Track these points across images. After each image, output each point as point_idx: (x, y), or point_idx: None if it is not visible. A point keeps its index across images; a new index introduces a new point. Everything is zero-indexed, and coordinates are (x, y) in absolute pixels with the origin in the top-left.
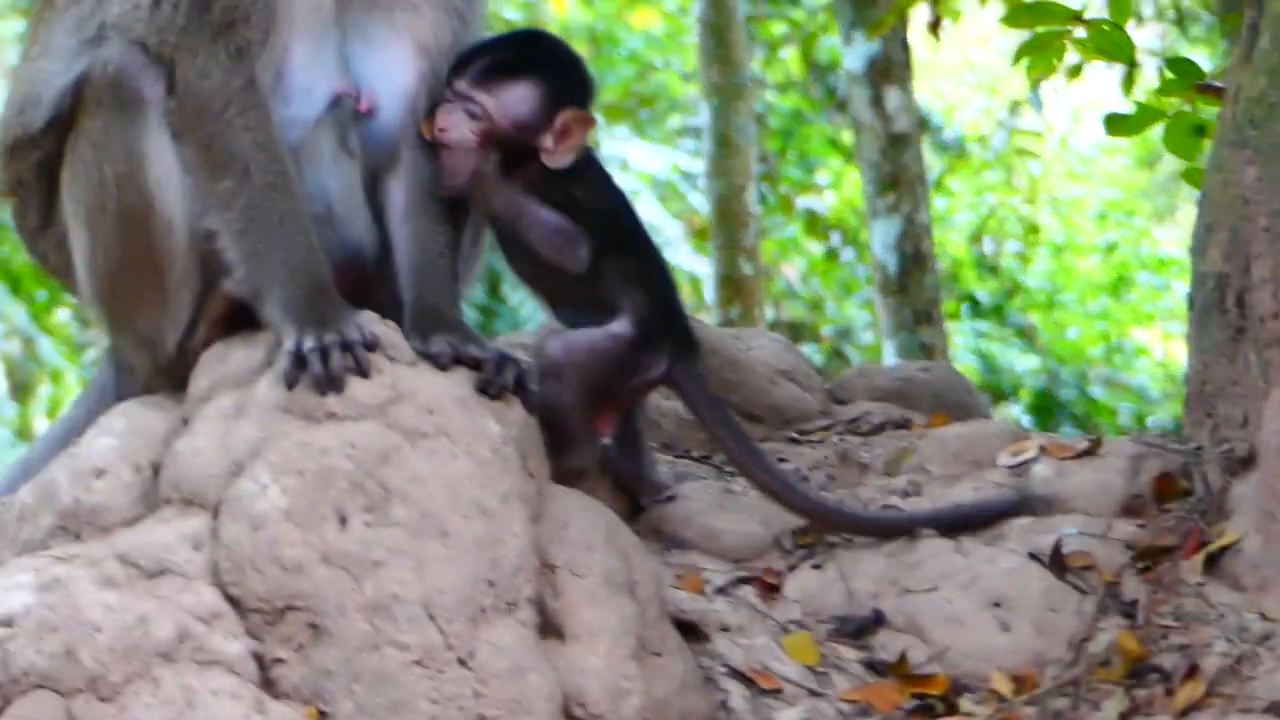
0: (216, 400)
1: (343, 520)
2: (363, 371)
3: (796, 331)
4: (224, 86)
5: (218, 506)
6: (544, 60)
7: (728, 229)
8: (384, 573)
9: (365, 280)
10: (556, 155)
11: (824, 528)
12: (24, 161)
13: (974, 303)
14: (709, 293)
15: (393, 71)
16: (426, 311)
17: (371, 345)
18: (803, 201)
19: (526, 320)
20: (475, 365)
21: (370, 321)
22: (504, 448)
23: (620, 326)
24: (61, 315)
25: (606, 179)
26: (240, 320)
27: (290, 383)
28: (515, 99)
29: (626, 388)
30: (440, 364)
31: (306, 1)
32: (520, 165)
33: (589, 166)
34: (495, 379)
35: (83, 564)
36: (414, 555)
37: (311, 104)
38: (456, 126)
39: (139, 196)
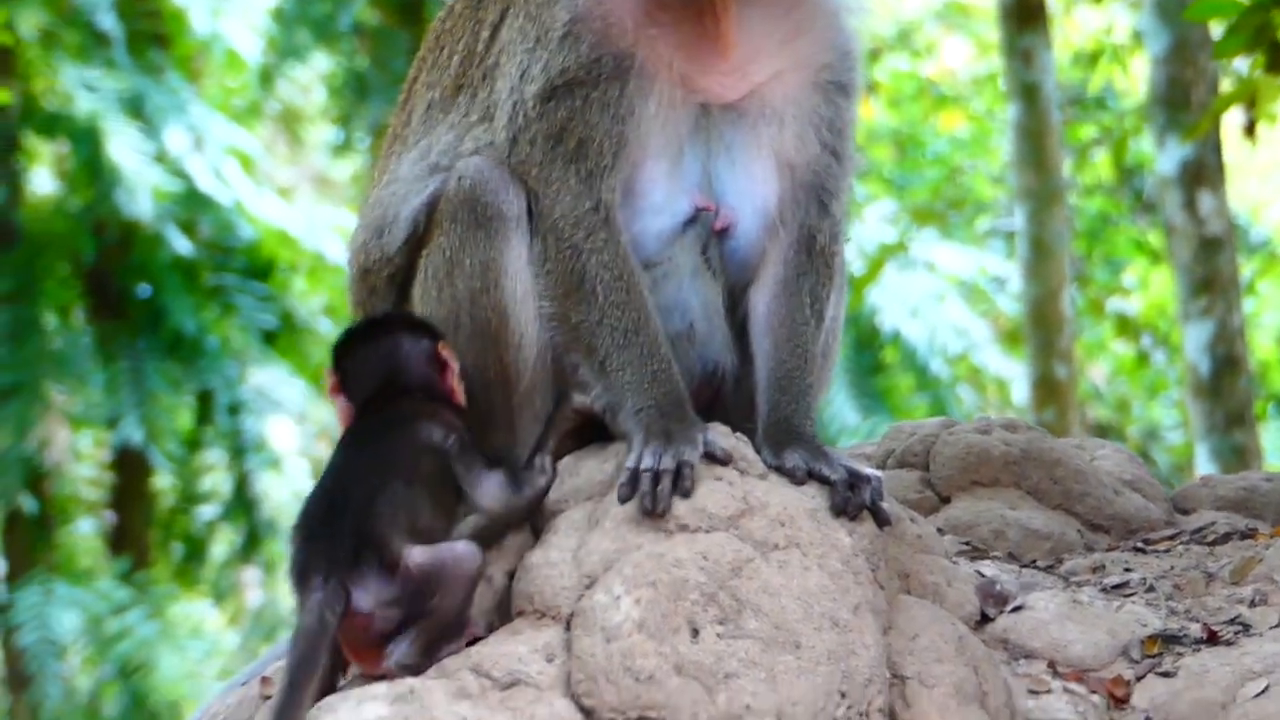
0: (568, 512)
1: (695, 631)
2: (685, 495)
3: (1102, 432)
4: (573, 209)
5: (571, 618)
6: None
7: (1042, 332)
8: (736, 684)
9: (721, 395)
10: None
11: None
12: (378, 276)
13: None
14: (1019, 395)
15: (754, 188)
16: (780, 424)
17: (725, 460)
18: (1112, 303)
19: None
20: (826, 481)
21: (721, 436)
22: (855, 559)
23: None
24: None
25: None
26: (590, 432)
27: (623, 499)
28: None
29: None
30: (795, 479)
31: (662, 122)
32: None
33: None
34: (852, 498)
35: (436, 675)
36: (766, 667)
37: (669, 219)
38: None
39: (494, 311)
